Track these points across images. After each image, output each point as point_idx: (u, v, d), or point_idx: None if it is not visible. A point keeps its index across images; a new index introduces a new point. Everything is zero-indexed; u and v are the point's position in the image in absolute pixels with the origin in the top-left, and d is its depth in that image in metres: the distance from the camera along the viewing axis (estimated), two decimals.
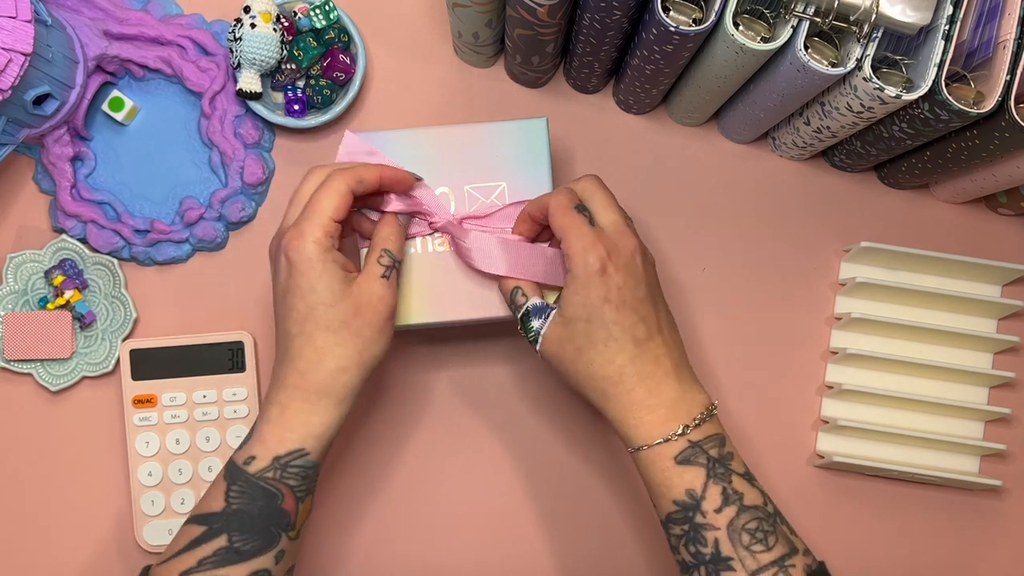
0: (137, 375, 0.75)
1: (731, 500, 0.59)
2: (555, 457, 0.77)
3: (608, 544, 0.77)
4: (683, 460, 0.59)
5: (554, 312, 0.62)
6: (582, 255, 0.60)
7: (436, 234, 0.67)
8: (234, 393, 0.75)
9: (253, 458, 0.60)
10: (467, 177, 0.68)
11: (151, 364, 0.75)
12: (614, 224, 0.62)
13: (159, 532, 0.75)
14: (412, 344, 0.77)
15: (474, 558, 0.77)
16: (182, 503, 0.75)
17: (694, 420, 0.60)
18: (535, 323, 0.63)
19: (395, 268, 0.63)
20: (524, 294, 0.64)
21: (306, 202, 0.62)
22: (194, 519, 0.60)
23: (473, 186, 0.68)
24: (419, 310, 0.67)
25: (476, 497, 0.77)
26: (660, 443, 0.60)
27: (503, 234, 0.66)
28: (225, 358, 0.75)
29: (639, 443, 0.60)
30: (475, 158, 0.68)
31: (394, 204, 0.66)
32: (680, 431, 0.60)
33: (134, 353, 0.75)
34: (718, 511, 0.59)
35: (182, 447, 0.75)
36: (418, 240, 0.67)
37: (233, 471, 0.60)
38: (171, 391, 0.75)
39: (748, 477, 0.61)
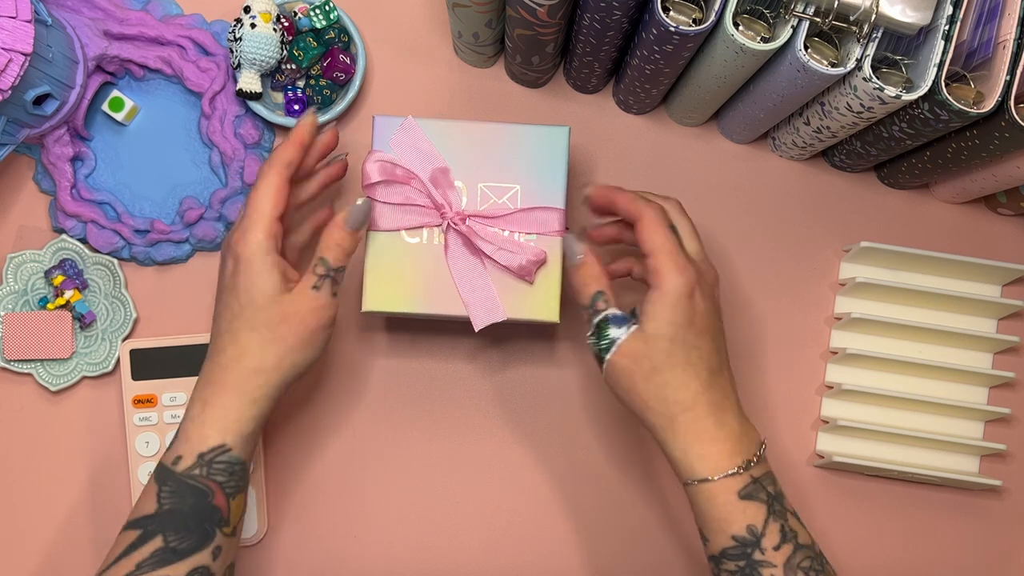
0: (137, 375, 0.75)
1: (788, 538, 0.59)
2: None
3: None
4: (746, 496, 0.59)
5: (635, 326, 0.61)
6: (675, 275, 0.59)
7: (442, 227, 0.67)
8: None
9: (180, 457, 0.60)
10: (482, 175, 0.68)
11: (151, 364, 0.75)
12: (699, 253, 0.64)
13: None
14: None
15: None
16: None
17: (754, 456, 0.60)
18: (613, 331, 0.61)
19: (330, 277, 0.61)
20: (607, 300, 0.62)
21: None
22: (129, 525, 0.61)
23: (487, 184, 0.68)
24: (407, 299, 0.67)
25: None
26: (724, 477, 0.59)
27: (502, 236, 0.67)
28: None
29: (703, 475, 0.60)
30: (493, 157, 0.68)
31: (397, 193, 0.66)
32: (744, 466, 0.60)
33: (134, 353, 0.75)
34: (776, 548, 0.59)
35: None
36: (424, 230, 0.67)
37: (162, 473, 0.60)
38: (171, 391, 0.75)
39: (797, 516, 0.61)
